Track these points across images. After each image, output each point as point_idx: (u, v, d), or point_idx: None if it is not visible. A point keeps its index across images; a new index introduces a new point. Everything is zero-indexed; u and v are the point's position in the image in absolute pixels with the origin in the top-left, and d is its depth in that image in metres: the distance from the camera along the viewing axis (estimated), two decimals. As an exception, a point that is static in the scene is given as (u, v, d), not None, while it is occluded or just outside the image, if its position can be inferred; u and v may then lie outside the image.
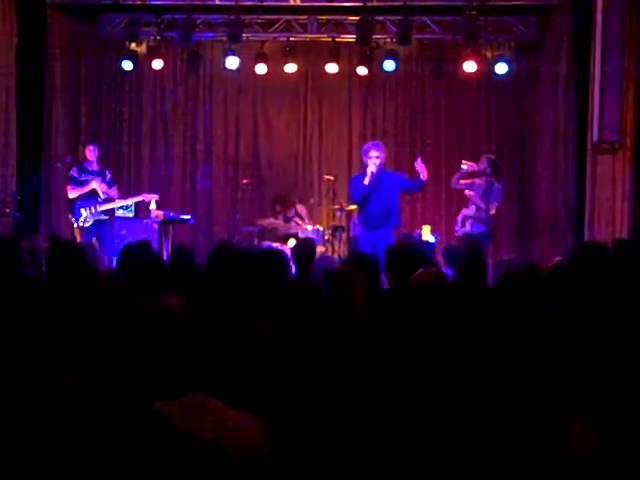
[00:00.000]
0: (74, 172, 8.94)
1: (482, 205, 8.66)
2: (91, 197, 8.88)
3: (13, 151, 9.62)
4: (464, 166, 9.02)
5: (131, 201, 9.44)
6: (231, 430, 2.15)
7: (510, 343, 3.27)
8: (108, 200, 8.98)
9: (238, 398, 2.31)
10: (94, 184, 8.84)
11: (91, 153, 8.97)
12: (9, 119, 9.57)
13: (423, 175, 7.85)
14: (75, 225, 8.93)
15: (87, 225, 8.83)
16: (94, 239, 8.77)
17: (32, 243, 7.57)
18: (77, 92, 11.09)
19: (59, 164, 9.90)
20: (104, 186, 8.93)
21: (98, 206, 8.89)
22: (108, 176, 9.14)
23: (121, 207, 9.48)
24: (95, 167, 9.03)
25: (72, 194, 8.92)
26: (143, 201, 9.43)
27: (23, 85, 9.88)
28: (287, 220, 9.93)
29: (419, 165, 7.89)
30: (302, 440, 2.47)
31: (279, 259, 4.59)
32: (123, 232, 9.37)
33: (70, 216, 9.02)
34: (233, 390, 2.41)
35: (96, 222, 8.88)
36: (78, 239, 8.83)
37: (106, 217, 8.97)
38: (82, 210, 8.85)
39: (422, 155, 11.10)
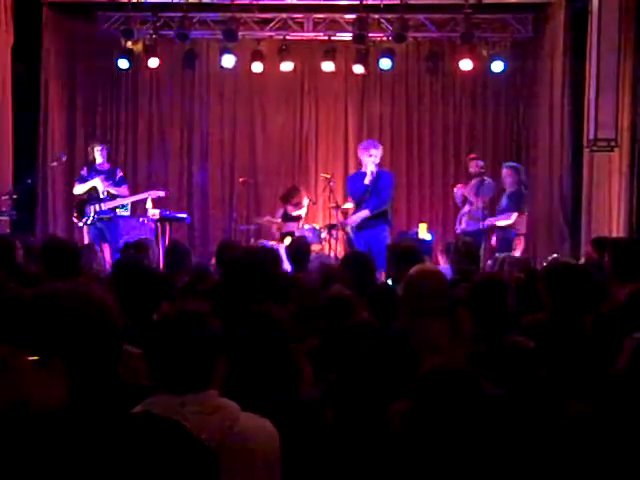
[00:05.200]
0: (83, 172, 9.14)
1: (476, 202, 8.82)
2: (99, 195, 8.95)
3: (9, 150, 9.61)
4: (457, 191, 9.28)
5: (138, 198, 9.45)
6: (237, 434, 2.13)
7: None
8: (114, 198, 9.02)
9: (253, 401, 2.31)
10: (96, 181, 8.92)
11: (99, 154, 9.07)
12: (5, 118, 9.54)
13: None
14: (80, 224, 8.98)
15: (89, 223, 8.89)
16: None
17: (29, 242, 7.54)
18: (73, 90, 11.09)
19: (55, 163, 9.89)
20: (107, 184, 8.97)
21: (103, 204, 8.93)
22: (119, 175, 9.24)
23: (117, 206, 9.47)
24: (105, 167, 9.15)
25: (76, 190, 9.10)
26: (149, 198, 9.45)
27: (19, 84, 9.86)
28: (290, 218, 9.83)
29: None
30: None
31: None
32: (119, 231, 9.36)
33: (75, 215, 9.08)
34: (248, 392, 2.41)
35: (101, 221, 8.92)
36: (85, 238, 8.90)
37: (110, 215, 9.00)
38: (88, 209, 8.92)
39: (419, 153, 11.25)
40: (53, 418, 1.57)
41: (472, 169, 9.26)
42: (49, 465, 1.49)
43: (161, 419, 1.63)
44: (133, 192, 9.76)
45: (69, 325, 1.65)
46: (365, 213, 7.84)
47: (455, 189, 9.48)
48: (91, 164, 9.15)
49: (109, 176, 9.07)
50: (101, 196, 8.96)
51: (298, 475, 2.33)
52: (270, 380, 2.48)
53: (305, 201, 9.89)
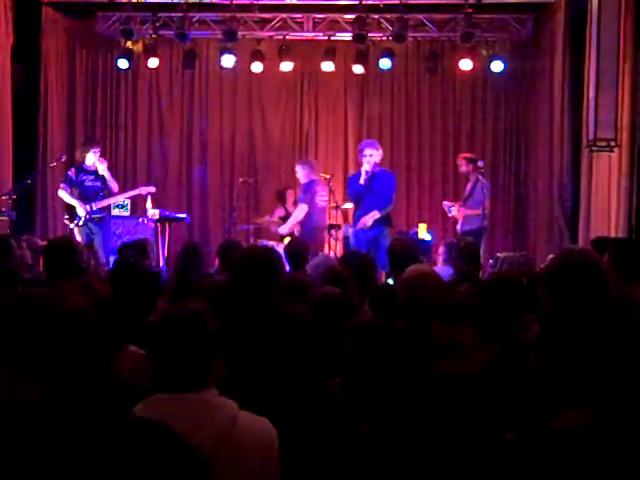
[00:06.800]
0: (71, 173, 8.86)
1: (472, 203, 8.88)
2: (89, 196, 8.85)
3: (9, 150, 9.61)
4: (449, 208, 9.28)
5: (128, 195, 9.42)
6: (235, 432, 2.15)
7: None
8: (106, 197, 8.95)
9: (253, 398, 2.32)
10: (78, 206, 8.74)
11: (96, 156, 8.93)
12: (4, 118, 9.54)
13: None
14: (71, 225, 8.86)
15: (81, 225, 8.79)
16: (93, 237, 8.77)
17: (31, 242, 7.55)
18: (72, 91, 11.09)
19: (54, 163, 9.88)
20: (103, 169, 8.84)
21: (94, 204, 8.85)
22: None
23: (117, 206, 9.45)
24: (94, 167, 8.95)
25: (60, 194, 8.90)
26: (140, 194, 9.40)
27: (19, 84, 9.86)
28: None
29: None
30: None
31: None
32: (119, 231, 9.36)
33: (66, 217, 8.94)
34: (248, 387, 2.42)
35: (92, 220, 8.82)
36: (79, 238, 8.80)
37: (102, 215, 8.92)
38: (80, 209, 8.81)
39: (418, 153, 11.25)
40: (32, 417, 1.54)
41: (462, 168, 9.27)
42: (26, 463, 1.46)
43: (151, 422, 1.61)
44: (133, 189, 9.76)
45: (46, 334, 1.63)
46: (375, 214, 7.81)
47: (444, 204, 9.49)
48: (79, 165, 8.98)
49: (98, 176, 8.92)
50: (99, 174, 8.80)
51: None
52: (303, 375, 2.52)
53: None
